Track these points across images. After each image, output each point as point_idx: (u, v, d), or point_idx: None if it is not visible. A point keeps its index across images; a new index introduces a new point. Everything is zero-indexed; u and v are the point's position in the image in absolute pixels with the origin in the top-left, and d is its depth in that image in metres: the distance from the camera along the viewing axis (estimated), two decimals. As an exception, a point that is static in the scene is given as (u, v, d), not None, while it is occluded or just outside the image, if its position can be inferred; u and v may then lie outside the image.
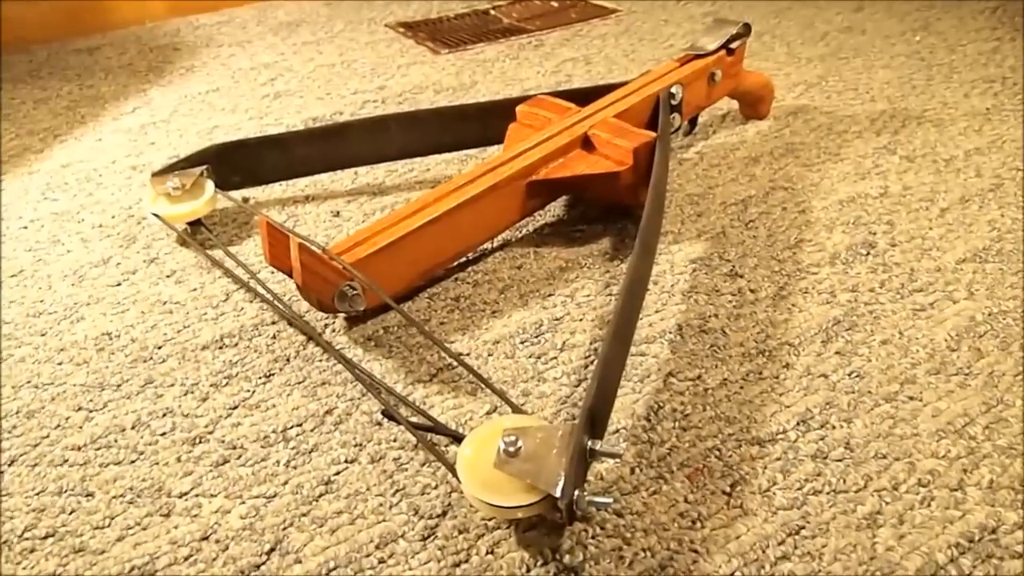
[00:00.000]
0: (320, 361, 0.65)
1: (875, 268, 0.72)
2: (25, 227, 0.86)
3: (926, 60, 1.16)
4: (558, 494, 0.44)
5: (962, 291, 0.69)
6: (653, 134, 0.76)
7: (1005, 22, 1.27)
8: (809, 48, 1.22)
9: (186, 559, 0.49)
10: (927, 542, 0.48)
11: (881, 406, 0.58)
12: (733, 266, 0.73)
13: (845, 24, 1.31)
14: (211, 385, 0.63)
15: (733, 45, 0.92)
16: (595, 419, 0.49)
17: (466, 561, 0.48)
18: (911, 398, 0.58)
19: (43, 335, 0.69)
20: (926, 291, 0.69)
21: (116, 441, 0.58)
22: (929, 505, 0.50)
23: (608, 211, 0.82)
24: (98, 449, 0.57)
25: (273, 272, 0.72)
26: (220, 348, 0.66)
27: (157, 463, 0.56)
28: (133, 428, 0.59)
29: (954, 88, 1.06)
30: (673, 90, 0.85)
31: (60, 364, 0.66)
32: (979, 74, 1.10)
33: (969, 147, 0.92)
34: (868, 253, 0.74)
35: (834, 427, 0.56)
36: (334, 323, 0.69)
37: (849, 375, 0.60)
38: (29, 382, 0.64)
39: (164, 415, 0.60)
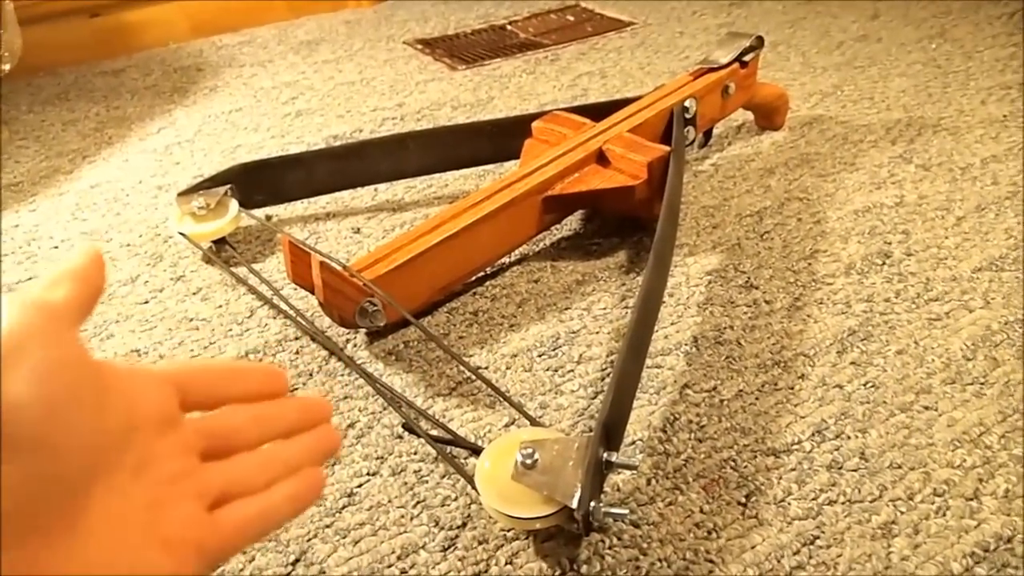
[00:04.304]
0: (342, 376, 0.66)
1: (890, 278, 0.72)
2: (56, 247, 0.89)
3: (942, 67, 1.16)
4: (575, 505, 0.45)
5: (978, 300, 0.69)
6: (667, 148, 0.77)
7: (1022, 27, 1.27)
8: (824, 57, 1.23)
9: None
10: (942, 552, 0.48)
11: (896, 416, 0.58)
12: (748, 277, 0.74)
13: (860, 33, 1.31)
14: (236, 400, 0.64)
15: (746, 58, 0.92)
16: (611, 431, 0.50)
17: (485, 571, 0.49)
18: (926, 408, 0.58)
19: (74, 352, 0.71)
20: (942, 300, 0.69)
21: (145, 456, 0.60)
22: (944, 515, 0.50)
23: (624, 224, 0.83)
24: (128, 463, 0.59)
25: (296, 288, 0.74)
26: (245, 364, 0.68)
27: (185, 477, 0.57)
28: (162, 443, 0.61)
29: (970, 95, 1.06)
30: (687, 104, 0.86)
31: (91, 381, 0.68)
32: (996, 80, 1.10)
33: (986, 155, 0.92)
34: (883, 263, 0.74)
35: (849, 437, 0.56)
36: (355, 338, 0.70)
37: (864, 385, 0.61)
38: (61, 399, 0.66)
39: (191, 430, 0.62)
